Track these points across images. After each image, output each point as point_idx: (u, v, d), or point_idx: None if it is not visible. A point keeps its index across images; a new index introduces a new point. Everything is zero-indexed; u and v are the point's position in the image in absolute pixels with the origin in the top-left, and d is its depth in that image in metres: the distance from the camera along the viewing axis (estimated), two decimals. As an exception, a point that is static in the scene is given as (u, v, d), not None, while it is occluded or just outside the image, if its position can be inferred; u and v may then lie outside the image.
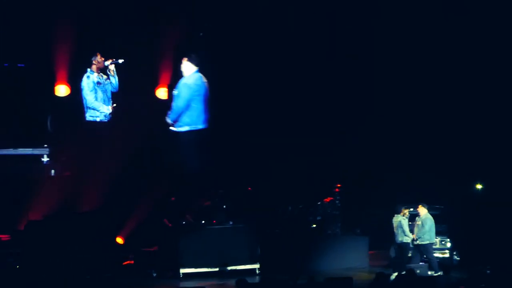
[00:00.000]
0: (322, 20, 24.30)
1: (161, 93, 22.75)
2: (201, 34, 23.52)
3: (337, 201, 23.79)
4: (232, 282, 15.12)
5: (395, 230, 21.32)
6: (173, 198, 22.24)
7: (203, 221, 21.95)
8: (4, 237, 20.07)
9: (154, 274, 21.27)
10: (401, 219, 21.23)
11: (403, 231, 21.14)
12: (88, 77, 21.16)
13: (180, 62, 21.90)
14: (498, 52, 23.69)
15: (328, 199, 23.96)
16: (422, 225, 20.88)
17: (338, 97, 25.44)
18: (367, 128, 25.59)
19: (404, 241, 21.18)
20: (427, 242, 20.87)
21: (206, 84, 22.13)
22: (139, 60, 22.33)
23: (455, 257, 22.20)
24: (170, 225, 21.73)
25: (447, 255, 21.87)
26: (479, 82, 24.39)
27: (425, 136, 25.21)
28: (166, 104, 22.26)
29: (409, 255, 21.17)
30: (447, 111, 24.79)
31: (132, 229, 22.63)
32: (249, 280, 16.05)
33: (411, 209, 21.70)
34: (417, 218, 21.13)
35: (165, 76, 22.92)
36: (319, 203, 23.84)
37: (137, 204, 22.63)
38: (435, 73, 24.85)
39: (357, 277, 20.22)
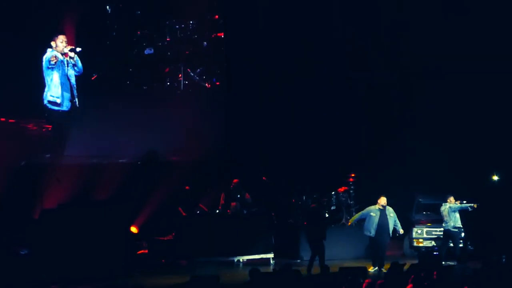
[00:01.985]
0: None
1: None
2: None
3: (351, 191, 23.75)
4: (246, 271, 15.06)
5: (445, 218, 21.21)
6: (187, 187, 22.23)
7: (217, 211, 21.95)
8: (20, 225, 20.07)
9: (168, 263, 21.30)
10: (450, 205, 21.13)
11: (455, 217, 21.11)
12: (45, 52, 20.89)
13: None
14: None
15: (342, 189, 23.91)
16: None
17: (355, 85, 25.48)
18: (382, 118, 25.57)
19: (457, 225, 21.19)
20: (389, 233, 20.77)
21: None
22: None
23: (469, 246, 22.11)
24: (184, 214, 21.72)
25: (461, 245, 21.74)
26: (494, 73, 24.38)
27: (440, 126, 25.12)
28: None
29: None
30: (462, 100, 24.71)
31: (146, 218, 22.67)
32: (263, 269, 15.97)
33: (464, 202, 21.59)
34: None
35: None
36: (333, 192, 23.79)
37: (152, 193, 22.66)
38: (450, 65, 24.83)
39: (371, 267, 20.28)
